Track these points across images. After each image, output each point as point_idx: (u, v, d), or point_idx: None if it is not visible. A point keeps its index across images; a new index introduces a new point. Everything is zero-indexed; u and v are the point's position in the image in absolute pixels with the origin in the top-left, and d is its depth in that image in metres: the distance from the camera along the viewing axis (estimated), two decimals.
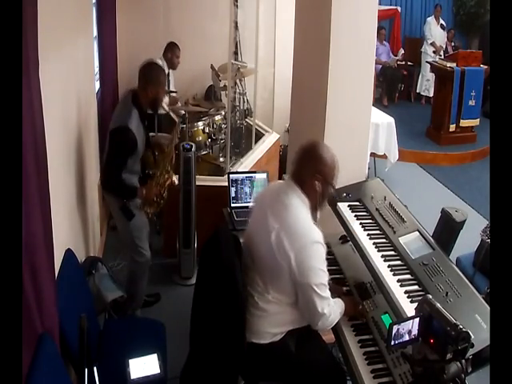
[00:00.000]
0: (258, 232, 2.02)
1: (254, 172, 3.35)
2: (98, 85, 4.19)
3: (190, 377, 2.15)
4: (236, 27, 5.18)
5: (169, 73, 5.10)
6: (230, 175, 3.17)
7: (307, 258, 1.87)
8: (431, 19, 8.49)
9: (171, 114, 3.20)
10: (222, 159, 4.52)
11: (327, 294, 1.94)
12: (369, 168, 4.78)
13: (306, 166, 1.98)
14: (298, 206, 1.96)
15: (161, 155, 3.12)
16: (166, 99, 3.10)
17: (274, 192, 2.07)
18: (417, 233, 2.31)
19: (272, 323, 2.02)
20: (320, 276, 1.90)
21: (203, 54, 5.30)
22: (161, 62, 4.94)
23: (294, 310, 2.00)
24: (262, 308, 1.99)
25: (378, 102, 7.57)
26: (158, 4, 5.28)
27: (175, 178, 3.22)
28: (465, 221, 2.93)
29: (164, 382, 2.13)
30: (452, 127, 6.61)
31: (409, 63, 8.77)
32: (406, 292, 1.99)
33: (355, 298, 2.23)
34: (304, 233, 1.89)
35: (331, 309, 1.97)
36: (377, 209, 2.52)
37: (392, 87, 8.42)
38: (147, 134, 3.00)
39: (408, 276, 2.09)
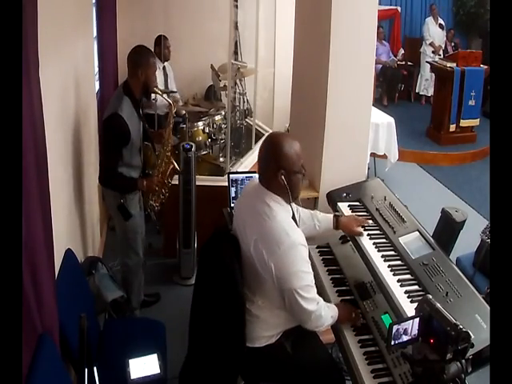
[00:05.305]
0: (239, 242, 2.00)
1: (254, 172, 3.33)
2: (97, 85, 4.19)
3: (189, 377, 2.15)
4: (236, 27, 5.18)
5: (164, 66, 5.09)
6: (230, 175, 3.15)
7: (287, 264, 1.85)
8: (429, 19, 8.48)
9: (165, 96, 3.15)
10: (222, 159, 4.52)
11: (313, 294, 1.92)
12: (369, 168, 4.78)
13: (268, 167, 1.92)
14: (274, 210, 1.91)
15: (160, 144, 3.07)
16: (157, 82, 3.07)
17: (249, 200, 2.03)
18: (417, 233, 2.31)
19: (265, 327, 2.02)
20: (303, 278, 1.87)
21: (203, 53, 5.30)
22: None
23: (286, 312, 1.99)
24: (254, 314, 1.99)
25: (378, 102, 7.56)
26: (158, 4, 5.27)
27: (176, 165, 3.14)
28: (465, 221, 2.92)
29: (164, 382, 2.13)
30: (452, 127, 6.60)
31: (409, 63, 8.77)
32: (406, 292, 1.98)
33: (350, 306, 2.19)
34: (281, 240, 1.85)
35: (320, 307, 1.95)
36: (377, 209, 2.52)
37: (392, 87, 8.42)
38: (144, 125, 2.95)
39: (408, 276, 2.08)
